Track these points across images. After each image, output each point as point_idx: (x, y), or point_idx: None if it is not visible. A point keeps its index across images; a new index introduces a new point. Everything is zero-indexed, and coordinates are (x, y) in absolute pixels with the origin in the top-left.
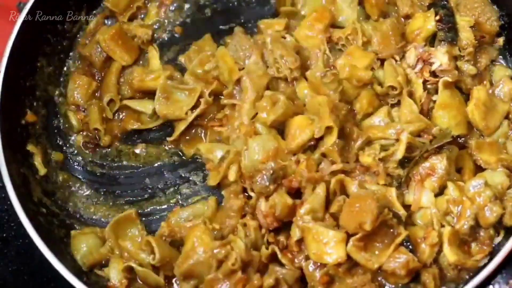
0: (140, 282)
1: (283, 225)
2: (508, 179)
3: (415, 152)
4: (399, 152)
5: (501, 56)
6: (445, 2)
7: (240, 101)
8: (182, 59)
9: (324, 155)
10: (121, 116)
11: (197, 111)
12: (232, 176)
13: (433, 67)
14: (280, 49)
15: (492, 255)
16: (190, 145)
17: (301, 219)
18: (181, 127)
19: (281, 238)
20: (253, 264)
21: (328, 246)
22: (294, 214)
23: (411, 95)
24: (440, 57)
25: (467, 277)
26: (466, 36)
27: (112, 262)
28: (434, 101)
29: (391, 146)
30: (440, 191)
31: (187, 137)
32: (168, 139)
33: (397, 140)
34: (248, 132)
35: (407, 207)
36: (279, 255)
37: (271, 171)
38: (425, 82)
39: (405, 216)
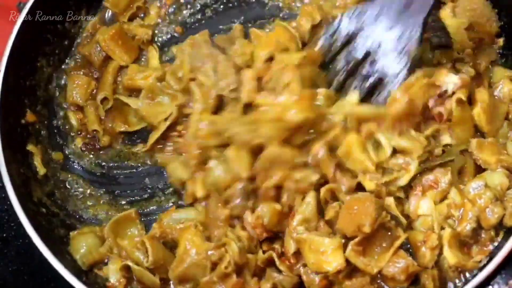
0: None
1: (276, 234)
2: (507, 179)
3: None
4: (404, 180)
5: (501, 57)
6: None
7: (191, 111)
8: (174, 49)
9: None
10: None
11: (168, 121)
12: (199, 193)
13: (450, 90)
14: (222, 66)
15: (491, 255)
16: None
17: (294, 231)
18: (154, 136)
19: (276, 245)
20: (249, 267)
21: (326, 255)
22: (284, 221)
23: None
24: (452, 79)
25: (467, 277)
26: (459, 38)
27: (110, 262)
28: None
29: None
30: (441, 200)
31: (160, 146)
32: (140, 149)
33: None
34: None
35: (406, 215)
36: (277, 262)
37: (242, 190)
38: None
39: (405, 225)
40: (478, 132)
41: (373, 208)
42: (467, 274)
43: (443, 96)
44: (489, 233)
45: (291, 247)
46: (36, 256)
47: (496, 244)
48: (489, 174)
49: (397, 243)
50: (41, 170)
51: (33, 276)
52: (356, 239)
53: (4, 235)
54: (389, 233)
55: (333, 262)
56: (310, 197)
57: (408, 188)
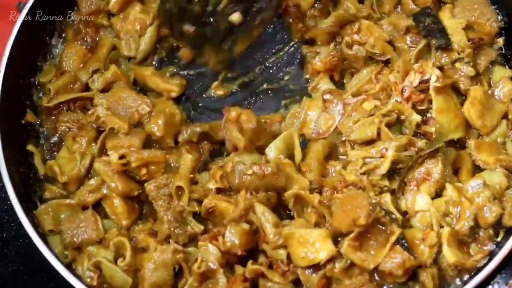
0: None
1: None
2: (506, 179)
3: (402, 164)
4: (383, 167)
5: (500, 57)
6: (429, 10)
7: None
8: None
9: None
10: None
11: None
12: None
13: (431, 82)
14: None
15: (491, 255)
16: None
17: (273, 240)
18: None
19: (263, 258)
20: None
21: (315, 245)
22: (256, 238)
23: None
24: (434, 71)
25: (467, 277)
26: (458, 39)
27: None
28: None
29: (374, 159)
30: (437, 194)
31: None
32: None
33: (381, 156)
34: None
35: (404, 212)
36: (269, 275)
37: (171, 220)
38: (414, 104)
39: (401, 220)
40: (473, 129)
41: (366, 202)
42: (467, 274)
43: (423, 84)
44: (488, 232)
45: (280, 255)
46: (36, 256)
47: (495, 243)
48: (488, 173)
49: (392, 238)
50: (41, 170)
51: (33, 276)
52: (352, 234)
53: (4, 235)
54: (384, 228)
55: (324, 250)
56: (259, 209)
57: (402, 185)
